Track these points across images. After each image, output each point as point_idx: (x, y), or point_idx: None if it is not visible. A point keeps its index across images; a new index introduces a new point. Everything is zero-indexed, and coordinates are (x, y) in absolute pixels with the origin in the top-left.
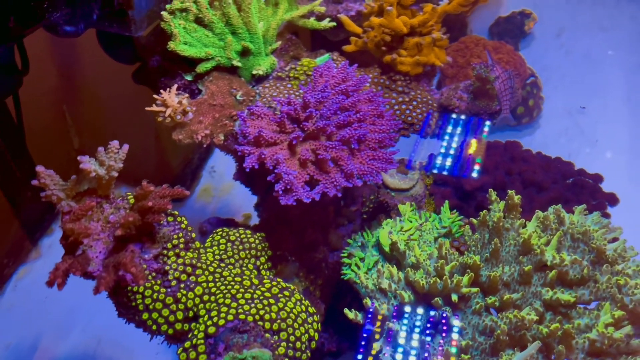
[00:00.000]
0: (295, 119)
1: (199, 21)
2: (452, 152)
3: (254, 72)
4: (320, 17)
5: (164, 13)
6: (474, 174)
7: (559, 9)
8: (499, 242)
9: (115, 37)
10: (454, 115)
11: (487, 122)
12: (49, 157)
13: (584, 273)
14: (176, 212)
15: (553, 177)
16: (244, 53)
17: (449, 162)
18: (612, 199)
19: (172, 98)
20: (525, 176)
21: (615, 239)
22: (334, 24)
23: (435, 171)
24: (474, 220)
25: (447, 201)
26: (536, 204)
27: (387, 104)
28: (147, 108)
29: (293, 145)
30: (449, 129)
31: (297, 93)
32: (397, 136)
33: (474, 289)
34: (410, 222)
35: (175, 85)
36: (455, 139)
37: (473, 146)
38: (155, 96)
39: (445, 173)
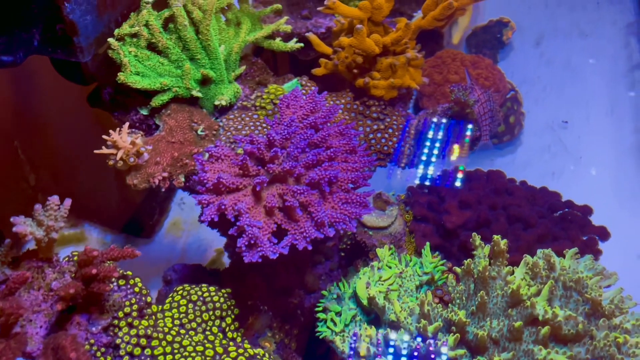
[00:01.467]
0: (260, 159)
1: (152, 47)
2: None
3: (216, 102)
4: (288, 36)
5: (110, 40)
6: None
7: (538, 14)
8: (486, 294)
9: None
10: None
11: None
12: (1, 199)
13: (579, 328)
14: (129, 273)
15: (540, 211)
16: (205, 81)
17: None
18: (603, 233)
19: (123, 139)
20: (510, 211)
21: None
22: (301, 45)
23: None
24: (458, 270)
25: (428, 243)
26: (523, 242)
27: (360, 136)
28: (96, 151)
29: (258, 190)
30: (425, 154)
31: (263, 125)
32: (371, 174)
33: (460, 351)
34: (390, 268)
35: (127, 124)
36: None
37: (455, 152)
38: (104, 137)
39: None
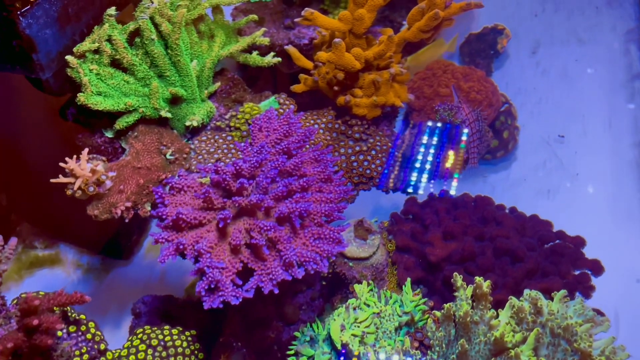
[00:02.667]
0: (228, 190)
1: (117, 64)
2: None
3: (187, 123)
4: (270, 48)
5: (69, 58)
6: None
7: (534, 21)
8: (467, 341)
9: None
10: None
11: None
12: None
13: None
14: (82, 317)
15: (529, 243)
16: (175, 100)
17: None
18: (596, 268)
19: (82, 166)
20: (497, 243)
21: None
22: (279, 59)
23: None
24: (437, 314)
25: (409, 280)
26: (510, 278)
27: (339, 161)
28: (52, 180)
29: (223, 225)
30: (410, 177)
31: (236, 148)
32: (346, 206)
33: None
34: (368, 306)
35: (86, 150)
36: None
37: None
38: (61, 164)
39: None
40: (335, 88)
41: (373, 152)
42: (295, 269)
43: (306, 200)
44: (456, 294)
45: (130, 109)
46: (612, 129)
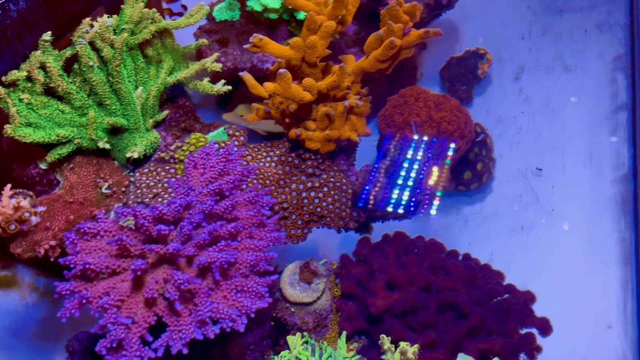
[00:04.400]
0: (149, 236)
1: (51, 92)
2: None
3: (128, 154)
4: (232, 72)
5: None
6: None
7: (520, 44)
8: None
9: None
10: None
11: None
12: None
13: None
14: None
15: (476, 297)
16: (117, 129)
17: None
18: (544, 327)
19: (3, 203)
20: (442, 296)
21: None
22: (229, 87)
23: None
24: None
25: (344, 333)
26: (451, 337)
27: (284, 200)
28: None
29: (138, 275)
30: (365, 216)
31: (170, 186)
32: (274, 255)
33: None
34: None
35: (9, 186)
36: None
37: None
38: None
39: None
40: (287, 120)
41: (325, 189)
42: (209, 327)
43: (232, 248)
44: (383, 357)
45: (64, 140)
46: (592, 163)
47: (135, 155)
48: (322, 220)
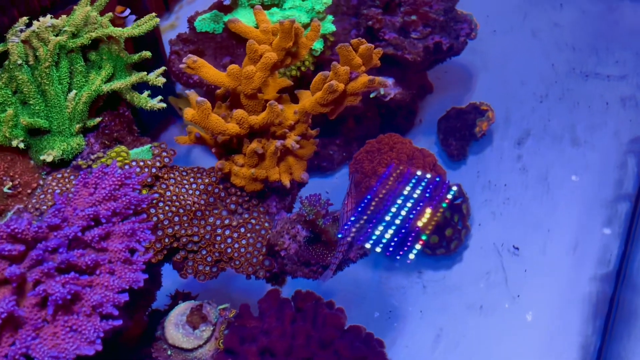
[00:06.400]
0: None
1: None
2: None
3: (42, 157)
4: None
5: None
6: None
7: (531, 106)
8: None
9: None
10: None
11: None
12: None
13: None
14: None
15: None
16: (38, 130)
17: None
18: None
19: None
20: None
21: None
22: (163, 105)
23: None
24: None
25: None
26: None
27: (196, 233)
28: None
29: None
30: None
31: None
32: (121, 301)
33: None
34: None
35: None
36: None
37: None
38: None
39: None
40: (213, 150)
41: (242, 230)
42: None
43: (86, 282)
44: None
45: None
46: (576, 253)
47: (49, 159)
48: (231, 262)
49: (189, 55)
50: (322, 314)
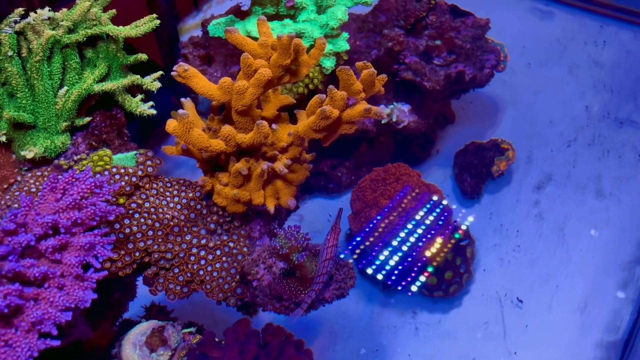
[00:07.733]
0: None
1: None
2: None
3: (23, 153)
4: None
5: None
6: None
7: (558, 149)
8: None
9: None
10: None
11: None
12: None
13: None
14: None
15: None
16: (22, 125)
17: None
18: None
19: None
20: None
21: None
22: (153, 112)
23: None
24: None
25: None
26: None
27: (170, 249)
28: None
29: None
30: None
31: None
32: (63, 322)
33: None
34: None
35: None
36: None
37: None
38: None
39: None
40: (197, 165)
41: (217, 252)
42: None
43: (31, 294)
44: None
45: None
46: (584, 315)
47: (30, 155)
48: (203, 285)
49: (180, 63)
50: (287, 355)
